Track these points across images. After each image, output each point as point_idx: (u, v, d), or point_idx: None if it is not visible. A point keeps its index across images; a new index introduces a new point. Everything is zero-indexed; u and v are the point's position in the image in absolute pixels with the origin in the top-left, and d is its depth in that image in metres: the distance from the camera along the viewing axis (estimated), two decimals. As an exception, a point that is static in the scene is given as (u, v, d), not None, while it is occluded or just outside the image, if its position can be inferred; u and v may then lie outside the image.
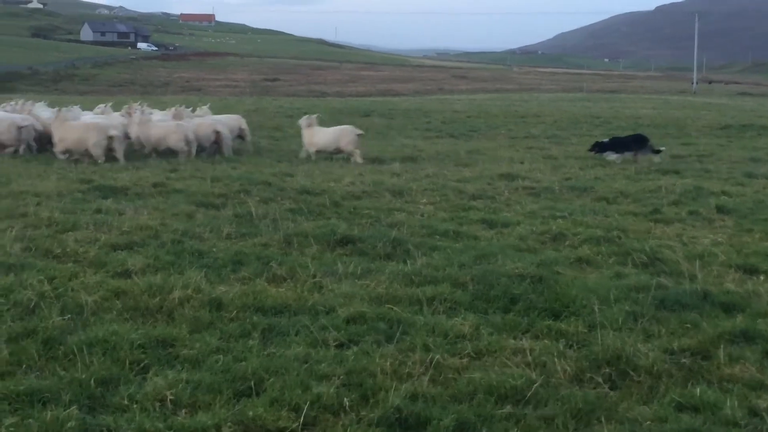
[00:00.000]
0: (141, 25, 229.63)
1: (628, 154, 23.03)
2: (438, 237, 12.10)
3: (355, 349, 7.33)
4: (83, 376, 6.55)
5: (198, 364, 6.97)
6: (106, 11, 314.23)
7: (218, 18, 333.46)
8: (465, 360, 7.18)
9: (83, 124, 21.84)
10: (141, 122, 22.44)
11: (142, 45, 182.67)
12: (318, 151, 23.14)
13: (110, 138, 21.01)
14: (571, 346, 7.56)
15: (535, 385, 6.58)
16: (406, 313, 8.34)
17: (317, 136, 23.13)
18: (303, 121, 23.42)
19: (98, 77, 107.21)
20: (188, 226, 12.34)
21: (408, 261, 10.42)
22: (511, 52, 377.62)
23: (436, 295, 8.92)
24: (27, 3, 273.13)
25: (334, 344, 7.48)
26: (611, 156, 22.95)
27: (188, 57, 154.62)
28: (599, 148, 23.57)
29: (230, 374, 6.69)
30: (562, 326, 8.04)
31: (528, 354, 7.24)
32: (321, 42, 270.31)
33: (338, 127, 23.90)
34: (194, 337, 7.59)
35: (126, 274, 9.57)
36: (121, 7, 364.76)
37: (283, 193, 15.63)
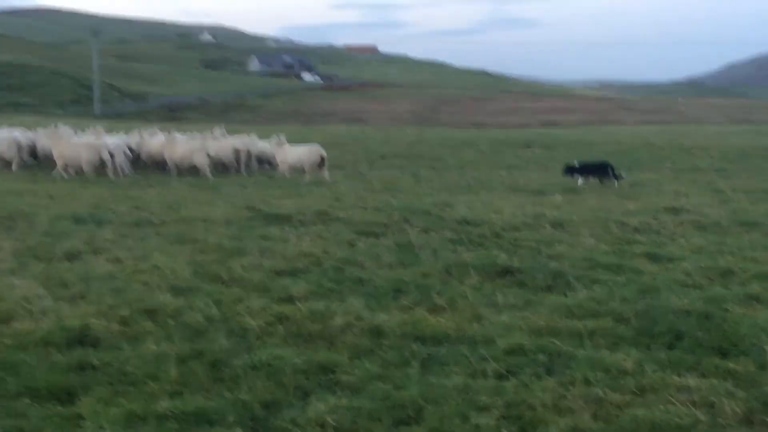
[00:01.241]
0: (306, 57, 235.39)
1: (592, 179, 25.55)
2: (600, 270, 11.86)
3: (515, 380, 7.25)
4: (247, 398, 6.73)
5: (358, 390, 7.04)
6: (273, 44, 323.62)
7: (381, 49, 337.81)
8: (628, 396, 6.99)
9: (78, 142, 24.18)
10: (168, 141, 25.27)
11: (306, 76, 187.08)
12: (291, 168, 24.78)
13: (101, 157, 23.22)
14: (740, 386, 7.26)
15: (702, 425, 6.37)
16: (566, 346, 8.21)
17: (289, 155, 24.92)
18: (273, 141, 25.48)
19: (264, 107, 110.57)
20: (349, 254, 12.55)
21: (568, 293, 10.28)
22: (676, 83, 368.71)
23: (597, 328, 8.75)
24: (199, 35, 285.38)
25: (493, 375, 7.41)
26: (580, 180, 25.54)
27: (351, 88, 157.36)
28: (570, 171, 25.96)
29: (390, 402, 6.73)
30: (731, 365, 7.74)
31: (694, 392, 7.00)
32: (482, 73, 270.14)
33: (305, 146, 25.31)
34: (354, 363, 7.67)
35: (289, 299, 9.79)
36: (288, 39, 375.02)
37: (443, 223, 15.67)
